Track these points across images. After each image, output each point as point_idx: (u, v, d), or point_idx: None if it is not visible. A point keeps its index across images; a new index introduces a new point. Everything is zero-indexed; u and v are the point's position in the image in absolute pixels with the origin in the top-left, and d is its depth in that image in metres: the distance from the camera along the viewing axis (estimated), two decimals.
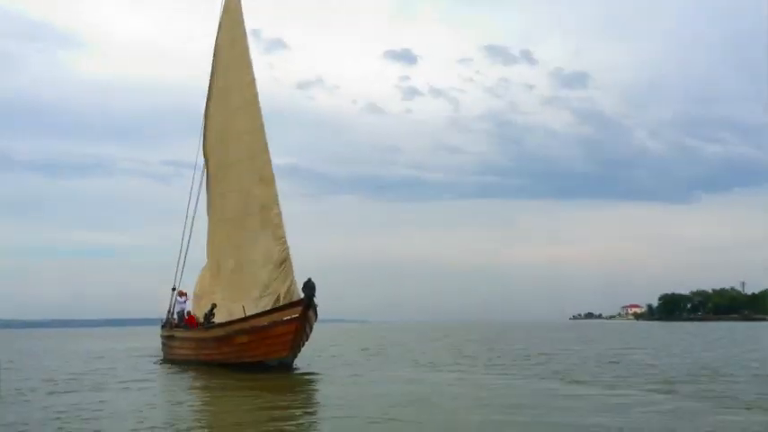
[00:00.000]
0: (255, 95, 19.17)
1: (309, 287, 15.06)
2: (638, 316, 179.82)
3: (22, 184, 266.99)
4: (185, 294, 23.87)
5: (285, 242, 17.18)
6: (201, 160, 22.33)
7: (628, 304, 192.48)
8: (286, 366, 15.80)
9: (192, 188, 22.37)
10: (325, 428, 8.55)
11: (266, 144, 18.41)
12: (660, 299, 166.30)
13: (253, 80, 19.47)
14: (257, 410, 10.23)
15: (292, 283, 16.68)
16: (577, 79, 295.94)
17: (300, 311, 15.17)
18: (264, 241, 17.81)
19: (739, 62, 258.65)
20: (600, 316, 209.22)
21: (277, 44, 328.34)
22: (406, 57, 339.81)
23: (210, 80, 21.33)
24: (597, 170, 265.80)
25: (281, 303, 16.39)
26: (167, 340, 21.63)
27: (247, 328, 16.16)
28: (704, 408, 9.72)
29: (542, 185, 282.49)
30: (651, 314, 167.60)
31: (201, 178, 22.36)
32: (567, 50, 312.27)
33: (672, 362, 18.71)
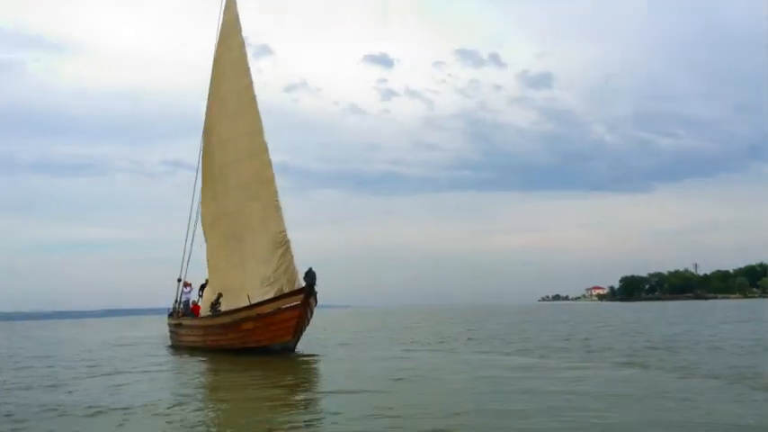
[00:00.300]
0: (253, 98, 19.40)
1: (310, 276, 15.43)
2: (601, 297, 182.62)
3: (21, 184, 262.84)
4: (190, 285, 24.26)
5: (286, 236, 17.51)
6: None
7: (592, 286, 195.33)
8: (288, 350, 16.19)
9: (195, 186, 22.60)
10: (332, 401, 8.99)
11: (266, 144, 18.66)
12: (621, 281, 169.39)
13: (250, 83, 19.68)
14: (268, 387, 10.64)
15: (294, 272, 17.03)
16: (542, 80, 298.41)
17: (302, 298, 15.57)
18: (265, 235, 18.12)
19: (690, 62, 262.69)
20: (567, 298, 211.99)
21: (264, 50, 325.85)
22: (384, 60, 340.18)
23: (210, 85, 21.51)
24: (560, 163, 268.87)
25: (284, 292, 16.78)
26: (176, 328, 21.93)
27: (253, 316, 16.48)
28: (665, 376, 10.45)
29: (511, 178, 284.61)
30: (613, 295, 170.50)
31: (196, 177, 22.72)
32: (532, 53, 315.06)
33: (634, 339, 19.44)
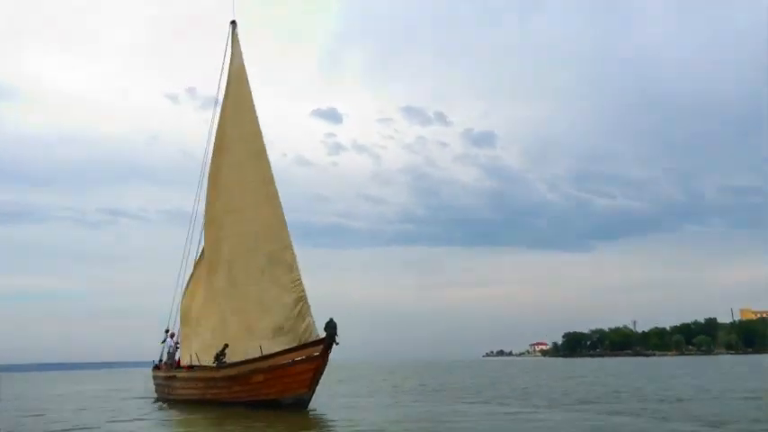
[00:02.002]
0: (263, 148, 19.24)
1: (332, 326, 14.99)
2: (544, 352, 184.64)
3: None
4: (174, 335, 23.25)
5: (301, 284, 17.06)
6: (199, 208, 22.05)
7: (535, 342, 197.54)
8: (302, 403, 15.49)
9: (189, 235, 22.00)
10: None
11: (276, 192, 18.42)
12: (564, 336, 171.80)
13: (259, 132, 19.56)
14: None
15: (310, 323, 16.53)
16: (485, 138, 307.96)
17: (322, 349, 15.08)
18: (274, 284, 17.62)
19: (626, 127, 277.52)
20: (510, 353, 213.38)
21: (211, 101, 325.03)
22: (332, 115, 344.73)
23: (217, 132, 21.22)
24: (504, 220, 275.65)
25: (299, 343, 16.22)
26: (167, 381, 20.70)
27: (265, 368, 15.85)
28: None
29: (455, 233, 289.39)
30: (556, 351, 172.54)
31: (190, 228, 22.19)
32: (476, 112, 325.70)
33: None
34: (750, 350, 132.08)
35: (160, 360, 23.40)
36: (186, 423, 14.89)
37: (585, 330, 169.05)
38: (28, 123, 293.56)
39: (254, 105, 20.18)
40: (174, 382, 19.97)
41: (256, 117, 19.92)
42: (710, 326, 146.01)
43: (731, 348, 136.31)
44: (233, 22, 22.18)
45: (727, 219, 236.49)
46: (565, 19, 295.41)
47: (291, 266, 17.32)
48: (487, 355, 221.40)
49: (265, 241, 18.30)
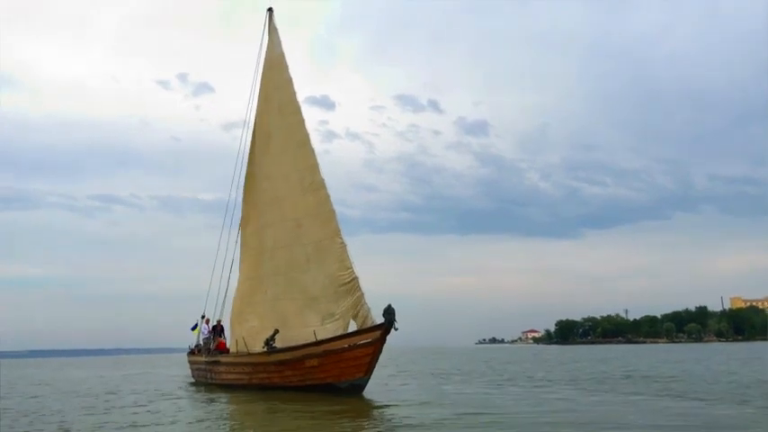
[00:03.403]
0: (307, 135, 19.26)
1: (390, 312, 15.14)
2: (536, 340, 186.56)
3: None
4: (209, 321, 23.47)
5: (352, 271, 17.22)
6: (237, 197, 22.14)
7: (527, 329, 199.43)
8: (358, 388, 15.66)
9: (229, 220, 22.06)
10: None
11: (323, 181, 18.52)
12: (557, 324, 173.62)
13: (302, 120, 19.55)
14: None
15: (365, 309, 16.68)
16: (478, 127, 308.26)
17: (380, 335, 15.28)
18: (322, 271, 17.77)
19: (617, 115, 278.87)
20: (503, 341, 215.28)
21: (203, 87, 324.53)
22: (325, 103, 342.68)
23: (257, 121, 21.30)
24: (496, 208, 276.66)
25: (353, 329, 16.39)
26: (210, 365, 20.87)
27: (319, 352, 16.04)
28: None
29: (449, 221, 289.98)
30: (549, 338, 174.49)
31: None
32: (469, 101, 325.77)
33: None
34: (740, 338, 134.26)
35: (197, 346, 23.59)
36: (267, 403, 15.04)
37: (578, 318, 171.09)
38: (17, 109, 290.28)
39: (295, 94, 20.22)
40: (218, 366, 20.15)
41: (299, 106, 19.96)
42: (701, 314, 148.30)
43: (721, 336, 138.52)
44: (270, 10, 22.19)
45: (717, 207, 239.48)
46: (559, 9, 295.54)
47: (341, 255, 17.43)
48: (480, 342, 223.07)
49: (311, 229, 18.41)
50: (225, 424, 11.39)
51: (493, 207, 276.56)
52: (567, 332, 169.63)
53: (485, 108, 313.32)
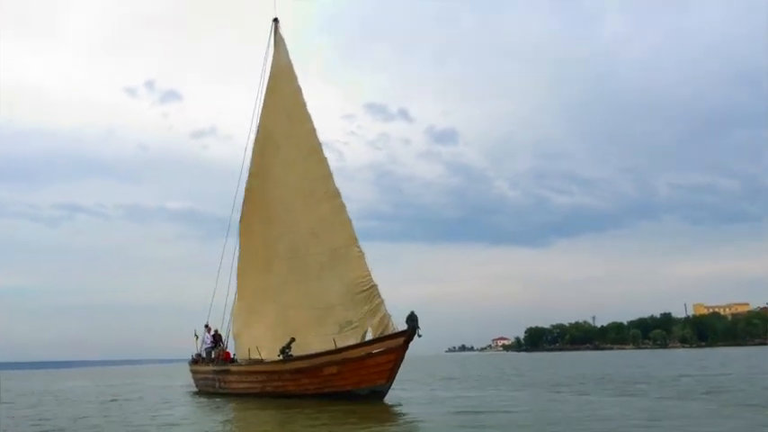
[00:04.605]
0: (318, 144, 19.40)
1: (413, 319, 15.28)
2: (506, 347, 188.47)
3: None
4: (212, 330, 23.31)
5: (370, 280, 17.32)
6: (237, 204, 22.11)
7: (497, 337, 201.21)
8: (379, 394, 15.74)
9: (227, 234, 22.21)
10: None
11: (336, 189, 18.64)
12: (526, 332, 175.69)
13: (312, 129, 19.67)
14: None
15: (386, 316, 16.75)
16: (448, 135, 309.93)
17: (403, 341, 15.42)
18: (337, 280, 17.85)
19: (579, 124, 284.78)
20: (472, 348, 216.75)
21: (171, 95, 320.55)
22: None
23: (263, 130, 21.28)
24: (466, 216, 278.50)
25: (372, 337, 16.52)
26: (218, 374, 20.68)
27: (338, 360, 16.08)
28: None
29: (417, 229, 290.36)
30: (519, 345, 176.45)
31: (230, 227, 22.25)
32: (438, 110, 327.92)
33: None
34: (703, 344, 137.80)
35: (199, 355, 23.39)
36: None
37: (546, 326, 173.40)
38: None
39: (304, 102, 20.33)
40: (228, 375, 19.98)
41: (309, 114, 20.06)
42: (666, 321, 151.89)
43: (685, 342, 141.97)
44: (275, 20, 22.29)
45: (678, 216, 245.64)
46: (527, 20, 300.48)
47: (359, 262, 17.55)
48: (450, 350, 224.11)
49: (325, 238, 18.50)
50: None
51: (462, 215, 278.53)
52: (537, 339, 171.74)
53: (454, 117, 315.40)
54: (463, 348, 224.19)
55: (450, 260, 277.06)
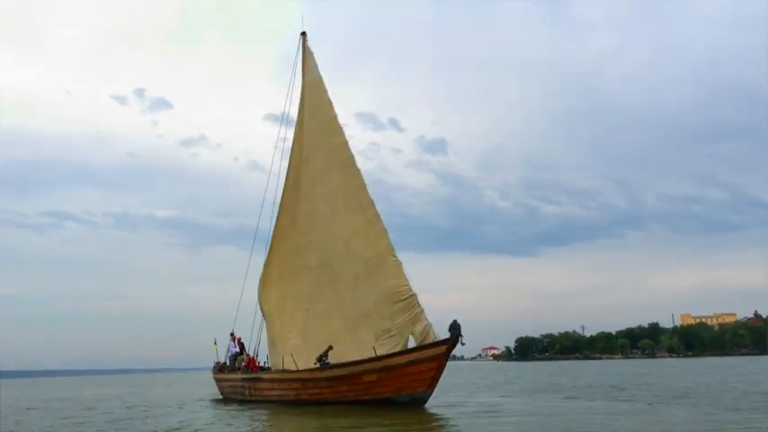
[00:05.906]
0: (351, 156, 19.83)
1: (456, 327, 15.59)
2: (496, 357, 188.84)
3: None
4: (238, 338, 23.50)
5: (409, 289, 17.64)
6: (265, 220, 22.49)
7: (487, 346, 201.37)
8: (420, 401, 16.03)
9: (253, 245, 22.71)
10: None
11: (370, 200, 18.97)
12: (516, 341, 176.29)
13: (345, 142, 20.12)
14: None
15: (425, 324, 17.09)
16: (438, 145, 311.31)
17: (446, 349, 15.73)
18: (375, 289, 18.17)
19: (569, 135, 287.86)
20: (462, 357, 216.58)
21: (161, 103, 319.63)
22: (285, 120, 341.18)
23: (295, 144, 21.61)
24: (456, 226, 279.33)
25: (413, 345, 16.82)
26: (248, 382, 20.84)
27: (378, 367, 16.33)
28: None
29: (408, 239, 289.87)
30: (509, 355, 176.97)
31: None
32: (428, 119, 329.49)
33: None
34: (690, 353, 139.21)
35: (224, 363, 23.55)
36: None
37: (536, 335, 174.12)
38: None
39: (336, 115, 20.71)
40: (260, 383, 20.15)
41: (340, 127, 20.48)
42: (654, 330, 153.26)
43: (673, 352, 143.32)
44: (303, 34, 22.67)
45: (666, 226, 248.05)
46: (517, 32, 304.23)
47: (396, 272, 17.88)
48: None
49: (360, 248, 18.84)
50: None
51: (452, 225, 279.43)
52: (527, 349, 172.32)
53: (443, 127, 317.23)
54: (453, 357, 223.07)
55: (440, 270, 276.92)
